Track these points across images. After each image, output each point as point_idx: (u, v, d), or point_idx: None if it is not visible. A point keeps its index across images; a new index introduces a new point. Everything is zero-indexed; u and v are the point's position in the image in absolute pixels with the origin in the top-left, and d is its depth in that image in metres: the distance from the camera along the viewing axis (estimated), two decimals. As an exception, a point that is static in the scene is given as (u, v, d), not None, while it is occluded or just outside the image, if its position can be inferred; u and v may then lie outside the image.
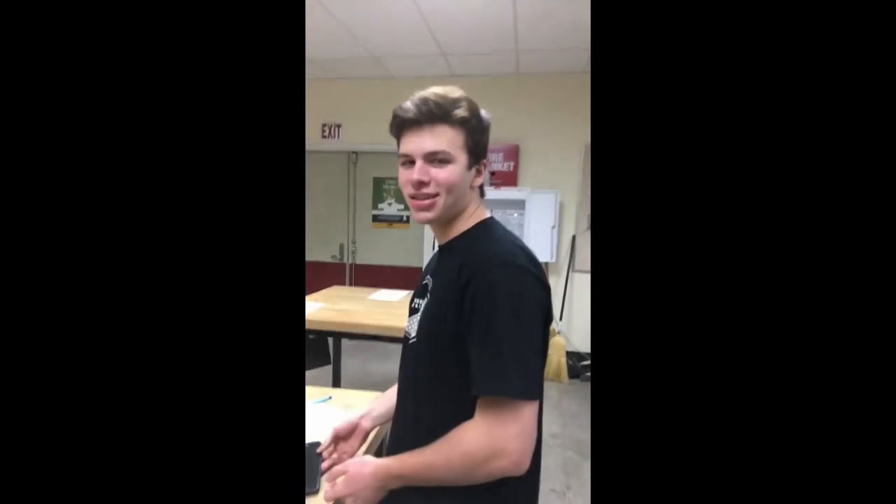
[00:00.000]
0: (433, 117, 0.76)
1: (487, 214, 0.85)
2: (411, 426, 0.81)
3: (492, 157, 3.67)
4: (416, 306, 0.85)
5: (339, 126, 3.95)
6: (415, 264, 3.95)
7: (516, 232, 3.36)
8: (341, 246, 4.15)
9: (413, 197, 0.80)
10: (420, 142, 0.77)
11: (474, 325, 0.70)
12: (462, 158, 0.79)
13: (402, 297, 2.59)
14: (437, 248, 0.90)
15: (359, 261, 4.15)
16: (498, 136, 3.58)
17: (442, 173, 0.78)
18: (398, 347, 2.24)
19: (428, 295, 0.83)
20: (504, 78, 3.67)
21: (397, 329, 1.94)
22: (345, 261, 4.17)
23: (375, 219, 4.06)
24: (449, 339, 0.74)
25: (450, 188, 0.78)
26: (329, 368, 2.66)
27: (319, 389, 1.30)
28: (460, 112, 0.77)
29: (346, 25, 2.89)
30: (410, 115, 0.77)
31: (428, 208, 0.80)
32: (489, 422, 0.68)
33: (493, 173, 3.68)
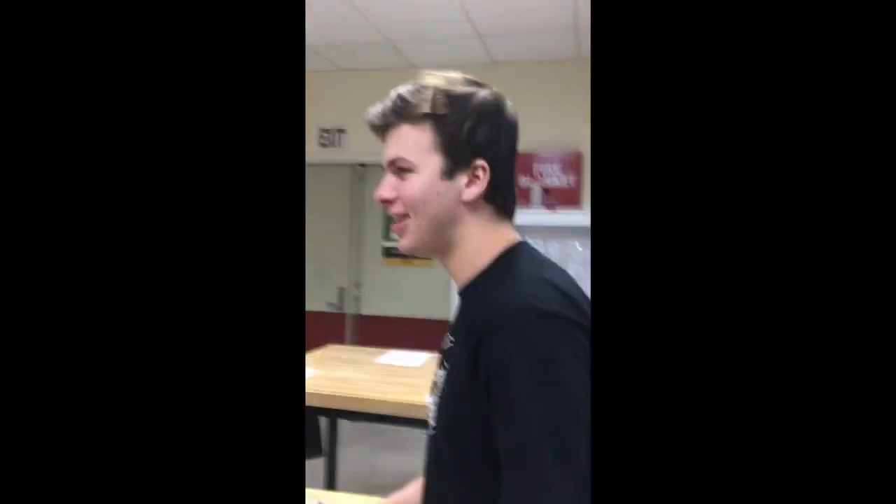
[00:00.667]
0: (397, 116, 0.82)
1: (515, 239, 0.86)
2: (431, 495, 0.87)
3: (546, 168, 3.76)
4: (436, 380, 0.87)
5: (341, 132, 4.06)
6: (441, 315, 3.88)
7: (580, 269, 3.35)
8: (341, 290, 4.19)
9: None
10: (385, 150, 0.84)
11: (495, 408, 0.71)
12: (431, 163, 0.80)
13: (423, 361, 2.56)
14: None
15: (364, 310, 4.13)
16: (554, 140, 3.73)
17: (404, 187, 0.81)
18: (416, 434, 2.16)
19: (445, 365, 0.85)
20: (561, 62, 3.69)
21: (416, 407, 1.89)
22: (345, 310, 4.16)
23: (388, 253, 4.09)
24: (469, 428, 0.75)
25: (415, 205, 0.81)
26: (321, 461, 2.68)
27: (307, 493, 1.26)
28: (423, 105, 0.80)
29: (352, 1, 2.97)
30: (375, 119, 0.84)
31: (400, 233, 0.84)
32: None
33: (547, 190, 3.71)
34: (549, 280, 0.77)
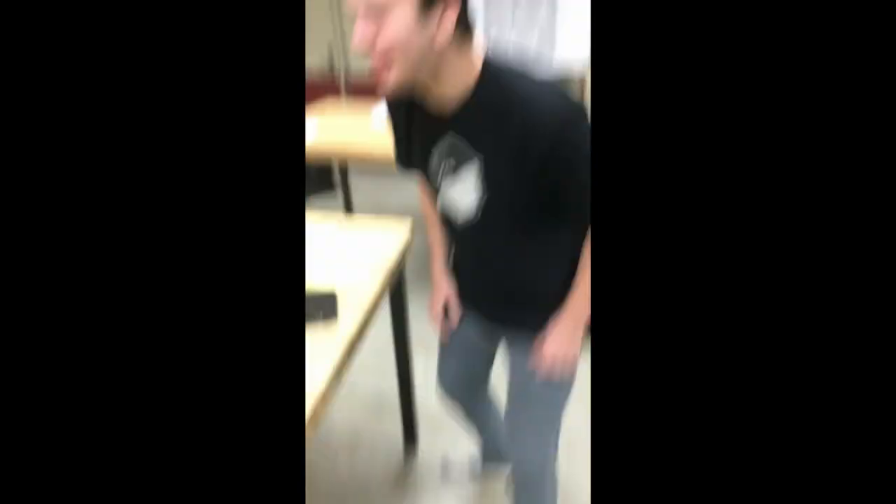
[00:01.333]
0: None
1: (480, 56, 0.83)
2: (495, 276, 1.03)
3: None
4: (444, 183, 0.93)
5: None
6: None
7: (547, 18, 3.10)
8: (330, 48, 3.93)
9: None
10: None
11: (566, 182, 0.83)
12: (405, 2, 0.70)
13: None
14: (421, 113, 0.90)
15: (354, 67, 3.96)
16: None
17: (379, 33, 0.72)
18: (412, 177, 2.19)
19: (466, 174, 0.89)
20: None
21: None
22: (336, 69, 4.01)
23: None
24: (534, 201, 0.87)
25: (394, 53, 0.73)
26: (339, 196, 2.96)
27: (329, 216, 1.40)
28: None
29: None
30: None
31: (384, 81, 0.77)
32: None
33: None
34: (545, 80, 0.80)
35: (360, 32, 0.72)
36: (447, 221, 1.00)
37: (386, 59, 0.74)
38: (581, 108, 0.80)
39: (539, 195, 0.87)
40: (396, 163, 1.07)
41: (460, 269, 1.11)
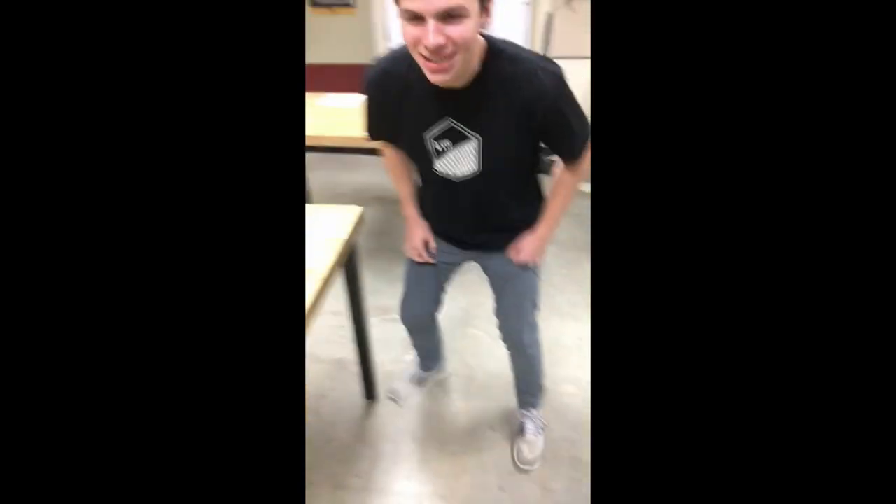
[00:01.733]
0: None
1: (483, 38, 0.92)
2: (481, 215, 1.19)
3: None
4: (444, 148, 1.02)
5: None
6: (365, 61, 3.82)
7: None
8: None
9: (427, 59, 0.82)
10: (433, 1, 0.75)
11: (561, 135, 1.00)
12: (475, 6, 0.78)
13: (357, 103, 2.54)
14: (427, 85, 0.95)
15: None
16: None
17: (458, 31, 0.78)
18: (365, 159, 2.36)
19: (472, 138, 0.98)
20: None
21: (360, 140, 2.10)
22: None
23: (314, 3, 3.81)
24: (527, 157, 1.04)
25: (467, 44, 0.80)
26: None
27: None
28: None
29: None
30: None
31: (446, 70, 0.83)
32: (581, 163, 1.08)
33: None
34: (532, 54, 0.91)
35: (437, 32, 0.77)
36: (439, 179, 1.11)
37: (456, 50, 0.80)
38: (561, 71, 0.93)
39: (531, 151, 1.02)
40: (368, 133, 1.18)
41: (446, 213, 1.26)
